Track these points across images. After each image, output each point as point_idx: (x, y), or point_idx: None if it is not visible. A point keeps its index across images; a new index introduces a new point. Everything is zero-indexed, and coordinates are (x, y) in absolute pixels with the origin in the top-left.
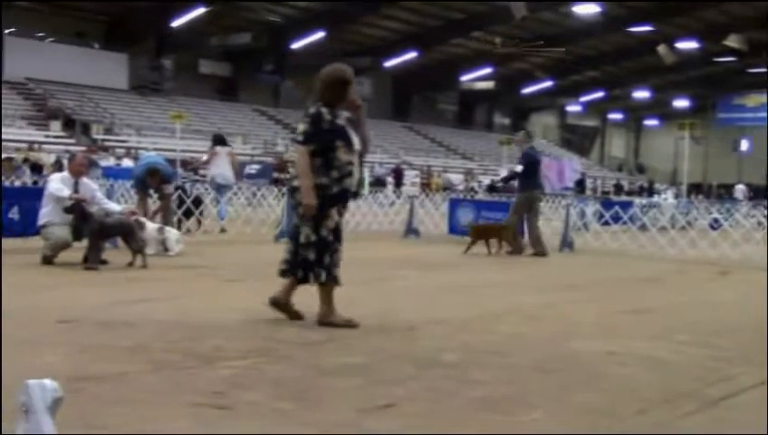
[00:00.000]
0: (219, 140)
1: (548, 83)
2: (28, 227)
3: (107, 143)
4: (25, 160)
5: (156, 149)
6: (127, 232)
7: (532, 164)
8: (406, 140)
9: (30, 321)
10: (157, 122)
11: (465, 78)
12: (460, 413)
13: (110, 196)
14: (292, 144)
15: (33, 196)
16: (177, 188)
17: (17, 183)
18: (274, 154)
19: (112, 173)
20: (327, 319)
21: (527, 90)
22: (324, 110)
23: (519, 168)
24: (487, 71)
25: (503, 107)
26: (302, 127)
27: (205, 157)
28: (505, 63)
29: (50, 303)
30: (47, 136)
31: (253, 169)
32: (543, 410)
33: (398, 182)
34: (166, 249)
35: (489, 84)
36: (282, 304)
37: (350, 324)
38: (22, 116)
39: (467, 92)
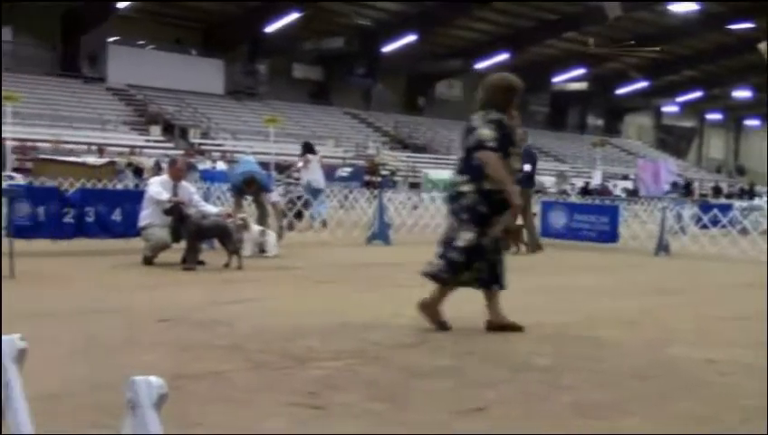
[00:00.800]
0: (309, 148)
1: (643, 83)
2: (129, 228)
3: (204, 147)
4: (129, 165)
5: (252, 153)
6: (223, 234)
7: (534, 161)
8: None
9: (131, 320)
10: (251, 126)
11: (557, 79)
12: (553, 418)
13: (206, 198)
14: (479, 150)
15: (134, 198)
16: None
17: (119, 186)
18: (366, 157)
19: (209, 176)
20: (497, 322)
21: (621, 90)
22: (503, 116)
23: (527, 166)
24: (580, 71)
25: (596, 108)
26: (488, 133)
27: (300, 163)
28: (599, 64)
29: (150, 302)
30: (147, 140)
31: (344, 171)
32: (640, 416)
33: None
34: (262, 251)
35: (582, 85)
36: (431, 309)
37: (515, 327)
38: (124, 121)
39: (559, 94)
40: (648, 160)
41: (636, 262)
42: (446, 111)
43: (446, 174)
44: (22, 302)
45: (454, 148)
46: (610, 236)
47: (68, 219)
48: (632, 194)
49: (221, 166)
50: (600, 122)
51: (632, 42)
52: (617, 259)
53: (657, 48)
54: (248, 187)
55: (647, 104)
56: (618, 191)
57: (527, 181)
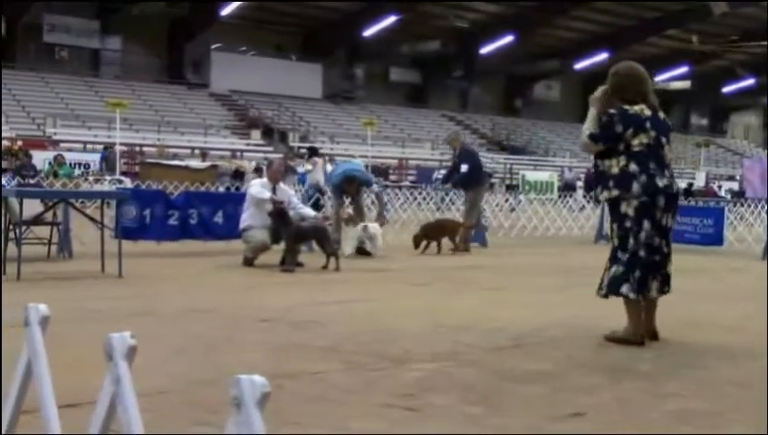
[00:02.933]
0: (314, 152)
1: (750, 81)
2: (231, 230)
3: (302, 150)
4: (237, 172)
5: (347, 156)
6: (321, 236)
7: (476, 160)
8: None
9: (232, 320)
10: (349, 129)
11: (659, 78)
12: (653, 426)
13: (304, 201)
14: (668, 144)
15: (235, 201)
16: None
17: (221, 189)
18: None
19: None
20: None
21: (727, 88)
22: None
23: (465, 167)
24: (683, 69)
25: (700, 107)
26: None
27: (309, 166)
28: (703, 61)
29: (250, 302)
30: (248, 144)
31: (441, 174)
32: (743, 425)
33: (589, 186)
34: (363, 251)
35: (685, 84)
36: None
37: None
38: (225, 126)
39: (662, 93)
40: (756, 161)
41: (741, 266)
42: (544, 113)
43: (543, 175)
44: (128, 300)
45: (552, 149)
46: (715, 238)
47: (172, 221)
48: (738, 196)
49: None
50: (704, 122)
51: (738, 38)
52: (721, 263)
53: (765, 43)
54: (348, 185)
55: (754, 102)
56: (723, 193)
57: (475, 181)
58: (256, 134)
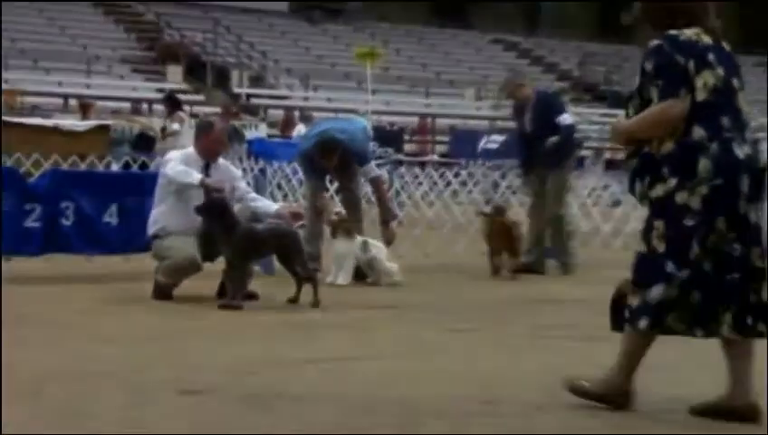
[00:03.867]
0: (176, 103)
1: None
2: (133, 237)
3: (254, 101)
4: (142, 138)
5: (341, 111)
6: (288, 247)
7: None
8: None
9: (133, 390)
10: (335, 65)
11: None
12: None
13: (259, 188)
14: (742, 89)
15: (139, 187)
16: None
17: (115, 167)
18: None
19: (262, 149)
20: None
21: None
22: None
23: (567, 117)
24: None
25: None
26: None
27: (175, 125)
28: None
29: (163, 361)
30: (160, 90)
31: (493, 141)
32: None
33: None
34: (363, 276)
35: None
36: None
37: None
38: (123, 58)
39: None
40: None
41: None
42: None
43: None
44: None
45: None
46: None
47: (31, 222)
48: None
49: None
50: None
51: None
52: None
53: None
54: (325, 157)
55: None
56: None
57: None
58: (176, 73)
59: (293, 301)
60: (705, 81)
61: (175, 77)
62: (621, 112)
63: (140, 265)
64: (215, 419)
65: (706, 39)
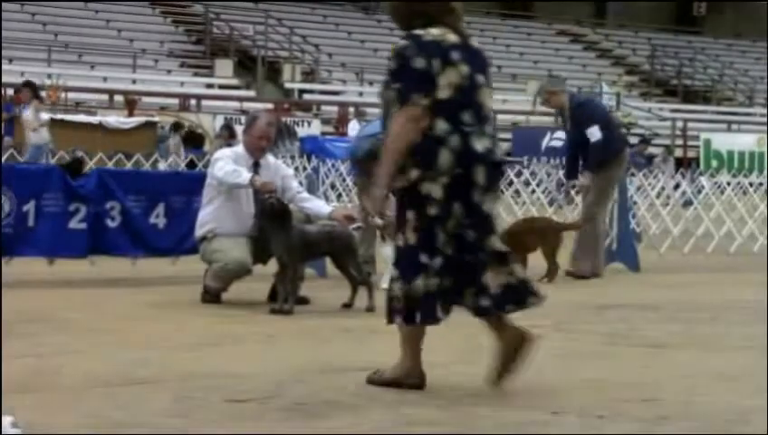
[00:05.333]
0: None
1: None
2: (181, 239)
3: (307, 96)
4: (190, 136)
5: None
6: (343, 251)
7: (604, 117)
8: None
9: (180, 398)
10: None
11: None
12: None
13: (311, 187)
14: (488, 86)
15: (188, 187)
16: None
17: (162, 166)
18: None
19: (316, 147)
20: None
21: None
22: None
23: (595, 133)
24: None
25: None
26: None
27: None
28: None
29: (213, 368)
30: (210, 85)
31: (558, 137)
32: None
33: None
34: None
35: None
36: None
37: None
38: (171, 52)
39: None
40: None
41: None
42: (748, 27)
43: (746, 141)
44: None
45: (762, 94)
46: None
47: (76, 223)
48: None
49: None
50: None
51: None
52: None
53: None
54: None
55: None
56: None
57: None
58: (225, 67)
59: (348, 305)
60: (448, 79)
61: (224, 72)
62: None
63: (188, 268)
64: (262, 428)
65: (452, 38)
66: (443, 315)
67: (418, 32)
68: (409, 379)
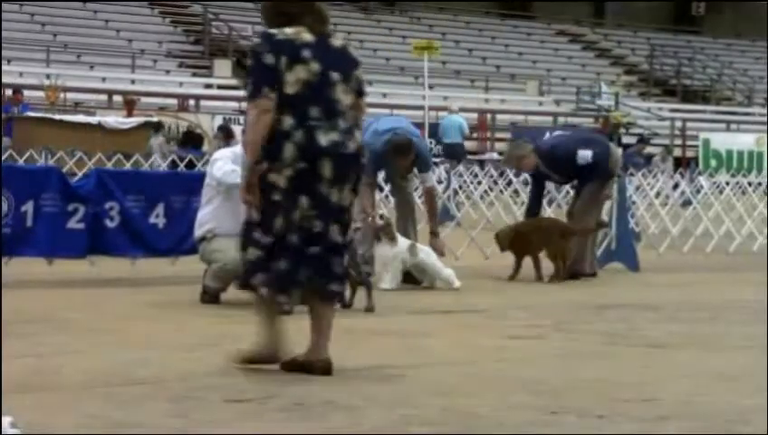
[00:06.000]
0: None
1: None
2: (181, 240)
3: None
4: (189, 136)
5: (394, 107)
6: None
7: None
8: None
9: (182, 398)
10: (389, 59)
11: None
12: None
13: None
14: (346, 83)
15: (187, 187)
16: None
17: (162, 164)
18: (596, 113)
19: None
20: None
21: None
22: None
23: (584, 155)
24: None
25: None
26: None
27: None
28: None
29: (209, 368)
30: (209, 85)
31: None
32: None
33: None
34: (412, 280)
35: None
36: None
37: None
38: (169, 52)
39: None
40: None
41: None
42: (746, 27)
43: (744, 141)
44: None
45: (760, 94)
46: None
47: (74, 223)
48: None
49: None
50: None
51: None
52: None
53: None
54: (399, 156)
55: None
56: None
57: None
58: (223, 67)
59: (347, 306)
60: (297, 75)
61: (223, 72)
62: (697, 108)
63: (187, 269)
64: (261, 428)
65: (306, 37)
66: (284, 299)
67: (273, 31)
68: (262, 355)
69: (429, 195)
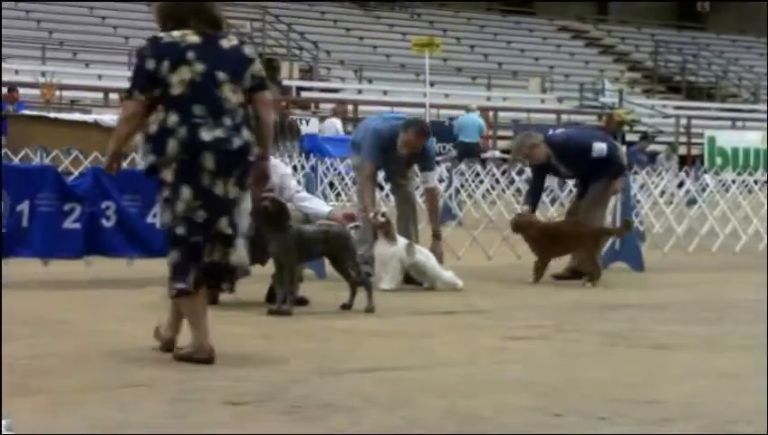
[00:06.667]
0: None
1: None
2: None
3: (305, 94)
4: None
5: (395, 105)
6: (341, 251)
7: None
8: None
9: (176, 398)
10: (390, 56)
11: None
12: None
13: (309, 186)
14: (234, 82)
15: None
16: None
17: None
18: (600, 111)
19: (315, 145)
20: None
21: None
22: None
23: (599, 147)
24: None
25: None
26: None
27: None
28: None
29: (207, 370)
30: None
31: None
32: None
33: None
34: (410, 280)
35: None
36: None
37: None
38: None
39: None
40: None
41: None
42: (751, 23)
43: (750, 139)
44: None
45: (763, 90)
46: None
47: (71, 223)
48: None
49: (335, 126)
50: None
51: None
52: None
53: None
54: (416, 135)
55: None
56: None
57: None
58: None
59: (347, 307)
60: (181, 77)
61: None
62: (701, 105)
63: None
64: (259, 429)
65: (193, 38)
66: (181, 286)
67: (160, 35)
68: (198, 354)
69: (431, 195)
